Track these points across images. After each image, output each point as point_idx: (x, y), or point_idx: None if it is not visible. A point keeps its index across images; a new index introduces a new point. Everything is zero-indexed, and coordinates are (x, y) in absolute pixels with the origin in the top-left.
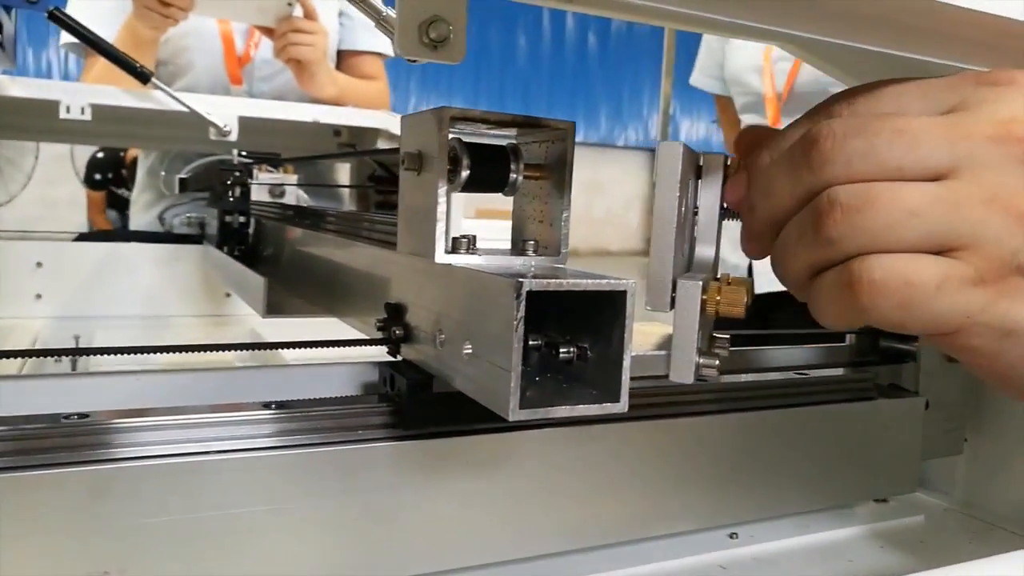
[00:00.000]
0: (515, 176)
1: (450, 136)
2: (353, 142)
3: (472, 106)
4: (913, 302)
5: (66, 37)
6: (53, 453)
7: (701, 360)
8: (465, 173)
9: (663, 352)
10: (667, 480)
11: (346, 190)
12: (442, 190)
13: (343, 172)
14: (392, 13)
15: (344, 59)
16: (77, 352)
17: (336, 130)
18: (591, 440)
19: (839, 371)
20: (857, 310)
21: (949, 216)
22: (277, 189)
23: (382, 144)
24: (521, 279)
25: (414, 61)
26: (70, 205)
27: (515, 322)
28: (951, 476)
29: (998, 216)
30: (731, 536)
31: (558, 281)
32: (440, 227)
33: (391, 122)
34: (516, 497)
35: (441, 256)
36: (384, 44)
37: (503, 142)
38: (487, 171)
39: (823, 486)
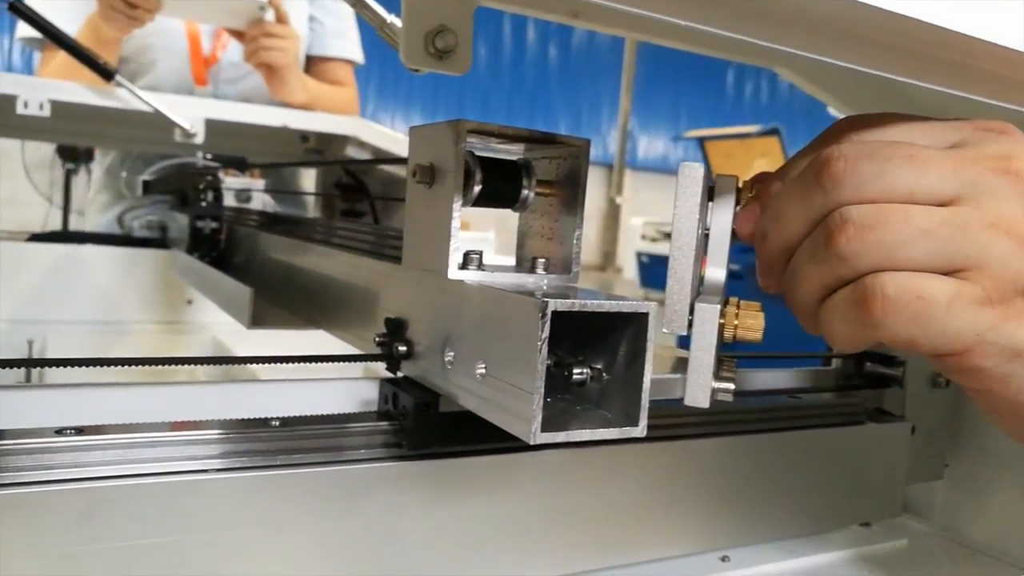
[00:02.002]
0: (527, 192)
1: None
2: (320, 148)
3: (431, 115)
4: (926, 317)
5: (24, 30)
6: (52, 469)
7: (716, 384)
8: (477, 188)
9: (678, 375)
10: (663, 503)
11: (309, 195)
12: (456, 205)
13: (307, 177)
14: (396, 21)
15: (313, 64)
16: (63, 363)
17: (304, 135)
18: (590, 462)
19: (829, 395)
20: (870, 326)
21: (957, 237)
22: (243, 194)
23: (351, 150)
24: (547, 299)
25: (417, 71)
26: (10, 203)
27: (539, 343)
28: (931, 500)
29: (1002, 240)
30: (723, 559)
31: (583, 302)
32: (454, 243)
33: (361, 129)
34: (517, 519)
35: (454, 272)
36: (353, 50)
37: (511, 157)
38: (500, 186)
39: (813, 510)
